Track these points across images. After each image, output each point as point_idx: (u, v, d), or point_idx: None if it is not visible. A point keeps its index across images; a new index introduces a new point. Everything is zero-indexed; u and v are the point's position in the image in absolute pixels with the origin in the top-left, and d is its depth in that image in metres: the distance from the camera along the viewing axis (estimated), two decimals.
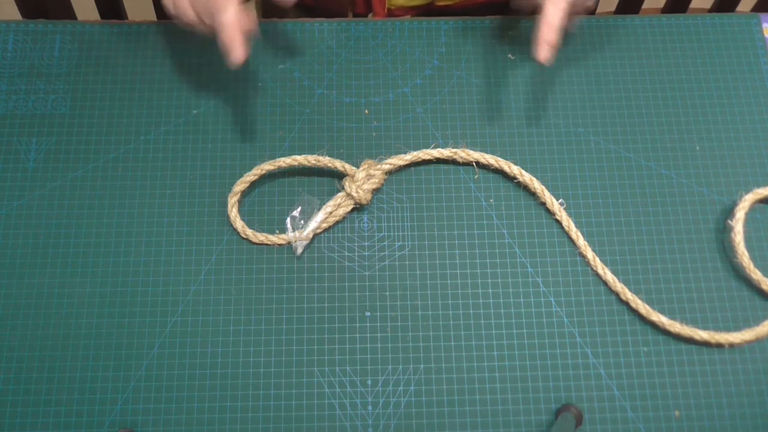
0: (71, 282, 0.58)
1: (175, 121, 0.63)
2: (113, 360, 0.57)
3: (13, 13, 0.76)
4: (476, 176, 0.62)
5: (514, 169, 0.61)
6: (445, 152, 0.62)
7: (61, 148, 0.62)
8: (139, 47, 0.66)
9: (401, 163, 0.61)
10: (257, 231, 0.60)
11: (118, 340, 0.57)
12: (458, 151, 0.62)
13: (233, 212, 0.60)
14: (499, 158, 0.61)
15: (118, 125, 0.63)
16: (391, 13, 0.76)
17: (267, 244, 0.60)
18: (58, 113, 0.63)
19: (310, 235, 0.59)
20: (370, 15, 0.85)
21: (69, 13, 0.78)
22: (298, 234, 0.59)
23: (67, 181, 0.61)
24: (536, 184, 0.61)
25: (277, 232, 0.60)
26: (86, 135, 0.63)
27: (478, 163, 0.62)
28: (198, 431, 0.55)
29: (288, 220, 0.60)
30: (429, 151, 0.62)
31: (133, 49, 0.66)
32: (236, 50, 0.53)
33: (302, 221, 0.60)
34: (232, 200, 0.60)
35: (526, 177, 0.61)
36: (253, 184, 0.61)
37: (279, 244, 0.60)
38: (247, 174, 0.60)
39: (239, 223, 0.60)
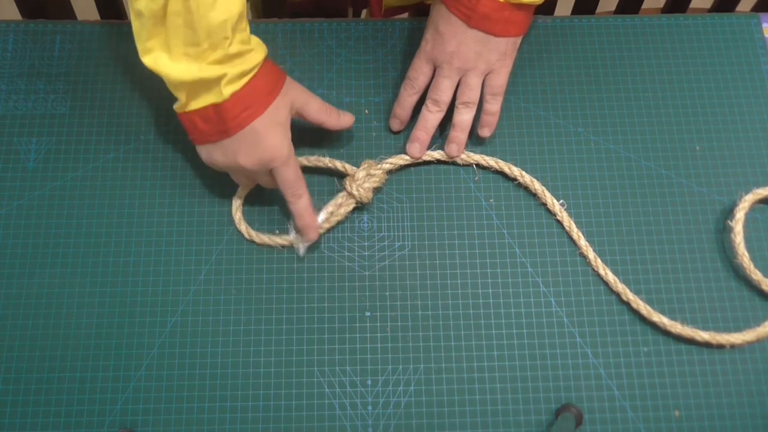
0: (71, 282, 0.58)
1: (176, 121, 0.63)
2: (113, 360, 0.57)
3: (13, 13, 0.75)
4: (477, 178, 0.62)
5: (515, 171, 0.61)
6: (445, 154, 0.62)
7: (61, 148, 0.62)
8: None
9: (402, 162, 0.61)
10: (260, 232, 0.60)
11: (118, 340, 0.57)
12: None
13: (237, 215, 0.60)
14: (500, 160, 0.61)
15: (118, 125, 0.63)
16: (384, 13, 0.76)
17: (270, 245, 0.60)
18: (58, 113, 0.63)
19: None
20: (364, 13, 0.85)
21: (69, 13, 0.78)
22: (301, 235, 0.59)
23: (67, 181, 0.61)
24: (537, 186, 0.61)
25: (277, 231, 0.60)
26: (86, 135, 0.63)
27: (478, 164, 0.62)
28: (198, 431, 0.55)
29: (290, 222, 0.59)
30: (430, 152, 0.62)
31: (133, 49, 0.65)
32: (311, 234, 0.58)
33: None
34: (236, 203, 0.60)
35: (527, 179, 0.61)
36: (256, 187, 0.61)
37: (282, 245, 0.60)
38: None
39: (243, 226, 0.59)
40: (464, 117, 0.60)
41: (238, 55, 0.51)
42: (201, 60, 0.50)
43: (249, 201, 0.61)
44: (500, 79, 0.60)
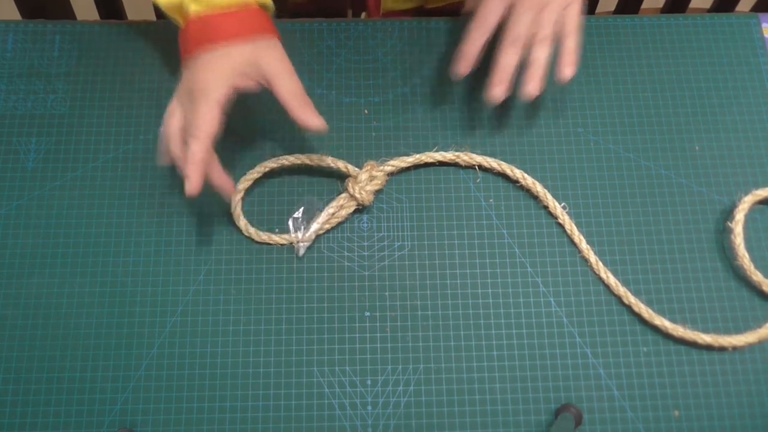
0: (71, 282, 0.58)
1: None
2: (113, 360, 0.57)
3: (13, 13, 0.75)
4: (477, 180, 0.62)
5: (517, 173, 0.61)
6: (447, 155, 0.62)
7: (61, 148, 0.62)
8: (139, 47, 0.66)
9: (403, 165, 0.61)
10: (260, 230, 0.60)
11: (118, 340, 0.57)
12: (460, 154, 0.62)
13: (237, 210, 0.60)
14: (502, 162, 0.61)
15: (118, 125, 0.63)
16: (383, 16, 0.76)
17: (269, 244, 0.60)
18: (58, 113, 0.63)
19: (313, 237, 0.59)
20: (363, 15, 0.85)
21: (68, 13, 0.78)
22: (301, 235, 0.59)
23: (67, 181, 0.61)
24: (539, 188, 0.61)
25: (277, 230, 0.60)
26: (86, 135, 0.63)
27: (480, 166, 0.62)
28: (198, 431, 0.55)
29: (290, 221, 0.60)
30: (431, 154, 0.62)
31: (133, 49, 0.66)
32: (193, 184, 0.51)
33: (304, 222, 0.60)
34: (236, 198, 0.60)
35: (528, 181, 0.61)
36: (255, 184, 0.61)
37: (281, 244, 0.60)
38: (250, 171, 0.60)
39: (242, 222, 0.60)
40: (541, 54, 0.58)
41: None
42: None
43: (249, 201, 0.61)
44: (575, 11, 0.58)
